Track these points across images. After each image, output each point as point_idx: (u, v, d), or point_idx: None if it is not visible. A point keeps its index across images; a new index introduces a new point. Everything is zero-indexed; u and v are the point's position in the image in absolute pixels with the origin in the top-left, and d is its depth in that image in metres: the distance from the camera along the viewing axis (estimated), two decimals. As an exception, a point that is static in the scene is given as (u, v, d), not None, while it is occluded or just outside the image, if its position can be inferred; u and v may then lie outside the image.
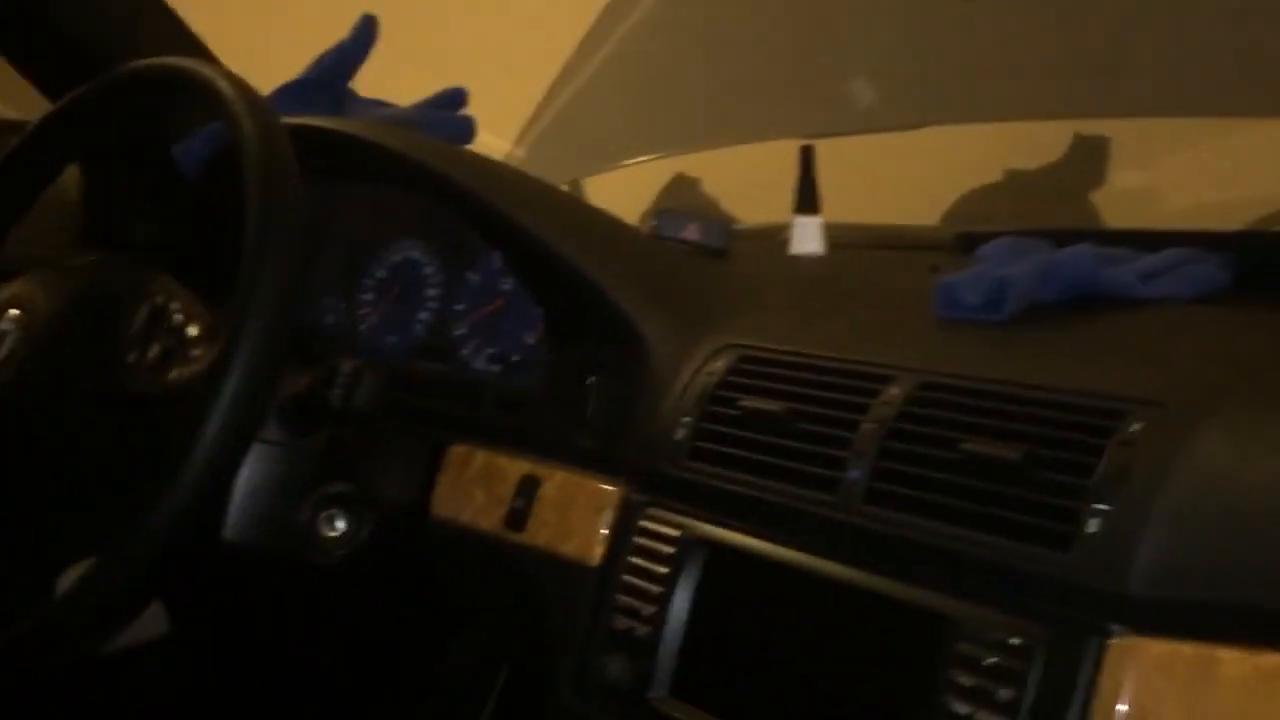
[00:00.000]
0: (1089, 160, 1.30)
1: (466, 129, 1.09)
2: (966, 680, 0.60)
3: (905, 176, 1.37)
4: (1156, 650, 0.56)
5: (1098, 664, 0.57)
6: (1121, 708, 0.56)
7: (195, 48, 1.14)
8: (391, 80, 1.12)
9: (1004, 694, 0.59)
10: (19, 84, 1.14)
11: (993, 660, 0.60)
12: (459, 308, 1.00)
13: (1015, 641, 0.59)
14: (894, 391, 0.70)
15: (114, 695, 1.19)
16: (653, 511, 0.78)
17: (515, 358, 0.95)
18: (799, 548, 0.71)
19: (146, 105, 0.93)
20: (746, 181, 1.40)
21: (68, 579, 0.79)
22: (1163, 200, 1.34)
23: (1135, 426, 0.60)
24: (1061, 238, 0.84)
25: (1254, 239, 0.92)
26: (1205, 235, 0.85)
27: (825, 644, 0.68)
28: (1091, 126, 1.29)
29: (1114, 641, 0.57)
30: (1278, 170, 1.19)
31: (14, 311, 0.85)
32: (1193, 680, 0.55)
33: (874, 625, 0.66)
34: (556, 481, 0.85)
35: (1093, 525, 0.59)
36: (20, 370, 0.82)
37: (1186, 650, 0.55)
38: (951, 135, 1.28)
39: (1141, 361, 0.68)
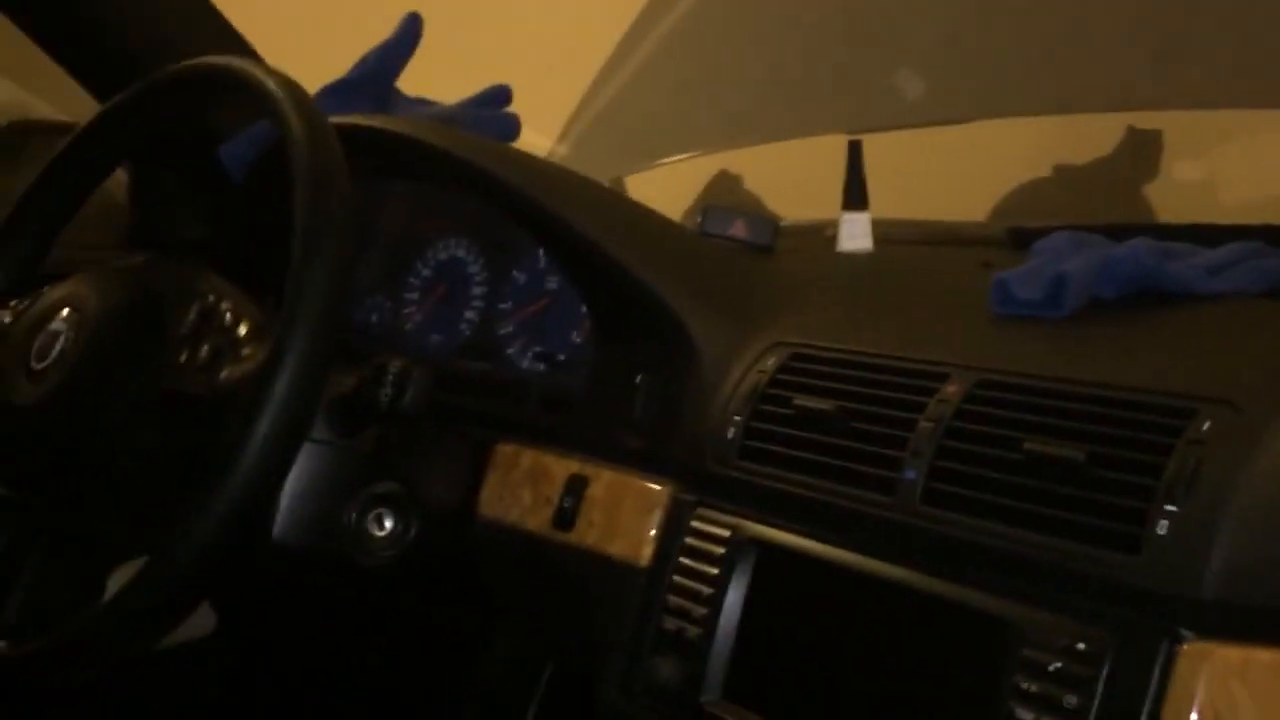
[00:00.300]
0: (1142, 154, 1.28)
1: (512, 126, 1.08)
2: (1031, 686, 0.59)
3: (953, 172, 1.35)
4: (1231, 656, 0.54)
5: (1168, 670, 0.55)
6: (1194, 716, 0.54)
7: (241, 47, 1.14)
8: (436, 78, 1.11)
9: (1070, 701, 0.57)
10: (68, 85, 1.15)
11: (1058, 666, 0.58)
12: (505, 306, 0.99)
13: (1082, 647, 0.58)
14: (951, 389, 0.69)
15: (160, 693, 1.19)
16: (703, 511, 0.77)
17: (562, 356, 0.94)
18: (854, 549, 0.69)
19: (193, 105, 0.93)
20: (787, 179, 1.39)
21: (118, 579, 0.79)
22: (1220, 194, 1.31)
23: (1205, 425, 0.59)
24: (1119, 233, 0.82)
25: (1321, 232, 0.90)
26: (1270, 229, 0.82)
27: (882, 648, 0.67)
28: (1144, 119, 1.26)
29: (1185, 647, 0.55)
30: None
31: (65, 311, 0.85)
32: (1270, 686, 0.53)
33: (933, 629, 0.65)
34: (604, 481, 0.84)
35: (1162, 527, 0.57)
36: (73, 371, 0.83)
37: (1263, 656, 0.53)
38: (1000, 129, 1.26)
39: (1210, 358, 0.66)
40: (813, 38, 1.32)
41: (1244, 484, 0.56)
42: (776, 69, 1.33)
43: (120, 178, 1.17)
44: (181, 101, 0.91)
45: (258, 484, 0.71)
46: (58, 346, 0.84)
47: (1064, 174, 1.29)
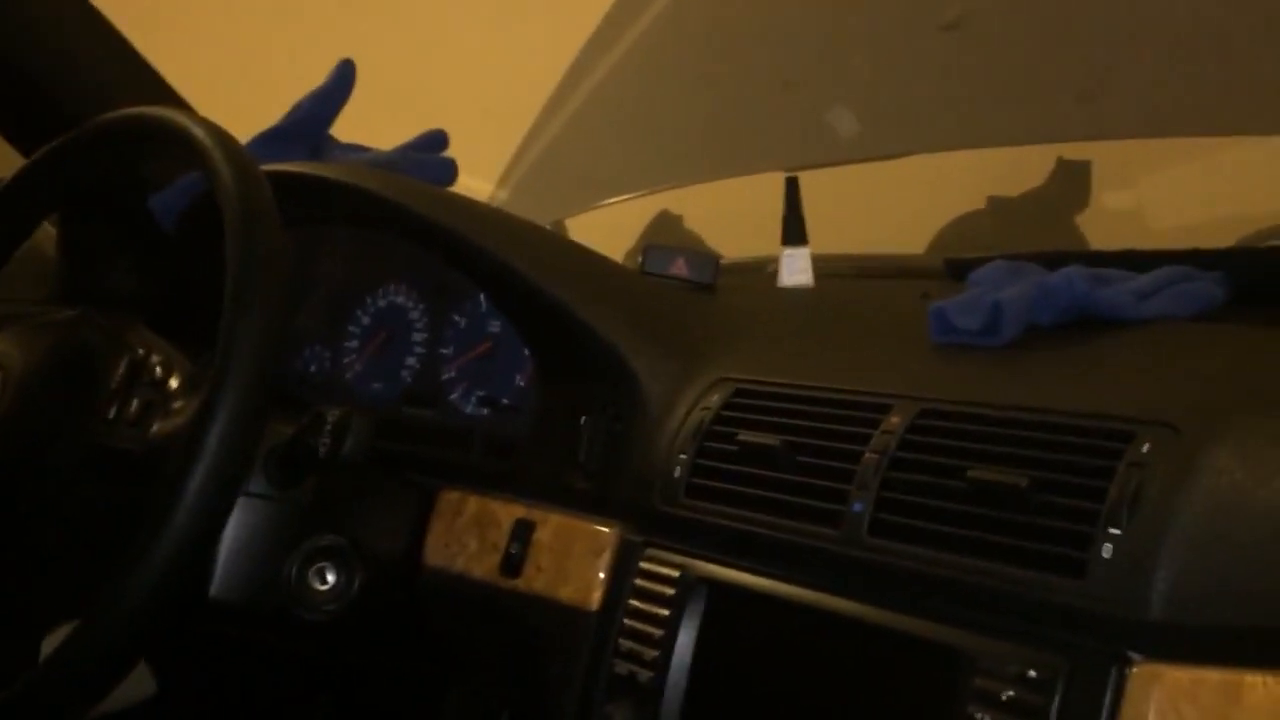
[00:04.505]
0: (1073, 184, 1.31)
1: (448, 171, 1.08)
2: (985, 715, 0.58)
3: (889, 206, 1.37)
4: (1180, 677, 0.54)
5: (1119, 693, 0.55)
6: (1146, 738, 0.54)
7: (171, 97, 1.13)
8: (371, 124, 1.11)
9: (1024, 729, 0.57)
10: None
11: (1011, 694, 0.58)
12: (446, 351, 0.99)
13: (1033, 674, 0.58)
14: (894, 420, 0.69)
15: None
16: (651, 552, 0.76)
17: (505, 400, 0.93)
18: (804, 584, 0.69)
19: (122, 156, 0.91)
20: (727, 217, 1.40)
21: (52, 642, 0.76)
22: (1148, 220, 1.35)
23: (1145, 448, 0.59)
24: (1052, 261, 0.83)
25: (1248, 255, 0.92)
26: (1198, 253, 0.84)
27: (835, 683, 0.66)
28: (1074, 150, 1.29)
29: (1135, 670, 0.55)
30: (1263, 187, 1.19)
31: (-10, 369, 0.83)
32: (1219, 707, 0.53)
33: (885, 662, 0.64)
34: (552, 525, 0.83)
35: (1107, 550, 0.58)
36: None
37: (1211, 676, 0.53)
38: (933, 163, 1.28)
39: (1146, 382, 0.67)
40: (748, 78, 1.33)
41: (1185, 504, 0.57)
42: (713, 109, 1.34)
43: (48, 231, 1.15)
44: (110, 152, 0.90)
45: (191, 541, 0.69)
46: (-18, 405, 0.81)
47: (997, 205, 1.32)
